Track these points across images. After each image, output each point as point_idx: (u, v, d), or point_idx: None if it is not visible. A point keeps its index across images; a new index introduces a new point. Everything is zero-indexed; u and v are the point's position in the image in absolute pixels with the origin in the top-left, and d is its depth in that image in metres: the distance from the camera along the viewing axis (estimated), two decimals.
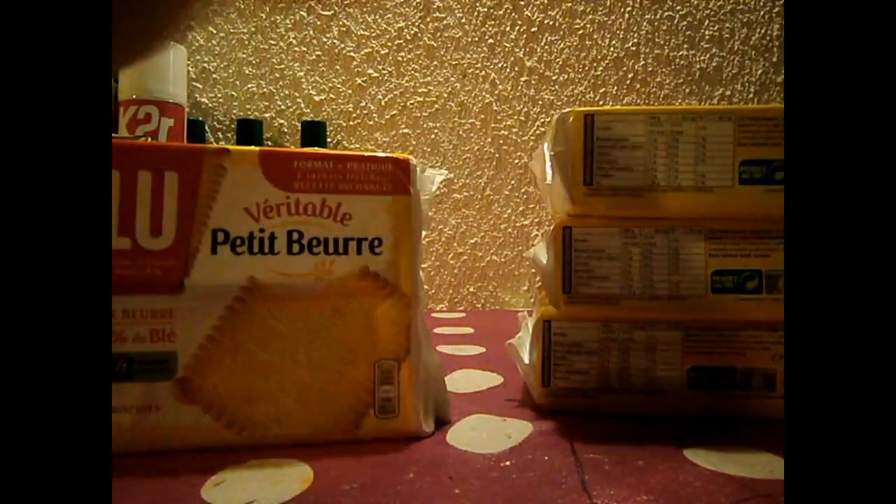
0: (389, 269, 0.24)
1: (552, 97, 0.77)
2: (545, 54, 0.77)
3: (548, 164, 0.28)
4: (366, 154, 0.24)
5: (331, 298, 0.24)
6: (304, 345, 0.23)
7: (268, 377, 0.23)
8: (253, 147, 0.23)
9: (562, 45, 0.77)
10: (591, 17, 0.77)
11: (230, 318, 0.23)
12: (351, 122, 0.75)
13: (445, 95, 0.76)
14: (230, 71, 0.74)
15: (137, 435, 0.22)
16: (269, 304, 0.23)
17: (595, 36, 0.77)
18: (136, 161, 0.22)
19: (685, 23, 0.78)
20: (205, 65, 0.73)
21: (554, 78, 0.77)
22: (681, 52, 0.78)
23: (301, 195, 0.24)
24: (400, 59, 0.75)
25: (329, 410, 0.24)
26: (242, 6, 0.73)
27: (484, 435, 0.25)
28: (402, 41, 0.75)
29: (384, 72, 0.75)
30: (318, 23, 0.74)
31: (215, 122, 0.74)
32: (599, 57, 0.78)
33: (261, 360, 0.23)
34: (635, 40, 0.78)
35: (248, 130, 0.69)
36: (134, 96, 0.60)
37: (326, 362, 0.24)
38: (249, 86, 0.74)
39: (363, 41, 0.75)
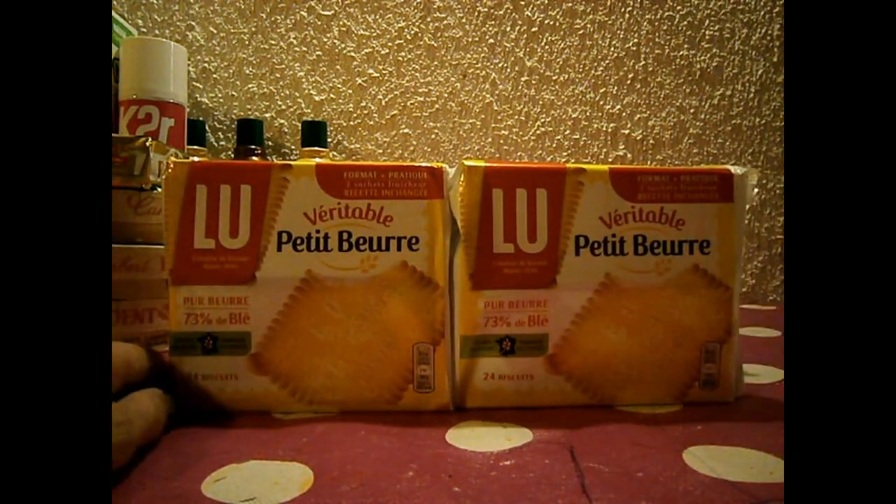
0: (425, 263, 0.31)
1: (553, 97, 0.85)
2: (545, 54, 0.85)
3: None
4: (405, 164, 0.31)
5: (375, 289, 0.31)
6: (353, 328, 0.31)
7: (323, 354, 0.30)
8: (310, 161, 0.31)
9: (562, 45, 0.85)
10: (591, 16, 0.85)
11: (292, 305, 0.30)
12: (351, 122, 0.82)
13: (446, 95, 0.84)
14: (231, 71, 0.81)
15: (221, 398, 0.30)
16: (324, 294, 0.30)
17: (595, 36, 0.85)
18: (217, 176, 0.30)
19: (686, 23, 0.86)
20: (205, 65, 0.80)
21: (554, 78, 0.85)
22: (681, 52, 0.86)
23: (350, 201, 0.31)
24: (400, 59, 0.83)
25: (374, 384, 0.31)
26: (243, 6, 0.80)
27: (483, 437, 0.28)
28: (402, 41, 0.83)
29: (384, 72, 0.83)
30: (319, 23, 0.81)
31: (216, 122, 0.80)
32: (600, 57, 0.85)
33: (317, 340, 0.30)
34: (636, 40, 0.86)
35: (249, 130, 0.76)
36: (134, 96, 0.65)
37: (372, 343, 0.31)
38: (250, 86, 0.81)
39: (363, 41, 0.82)
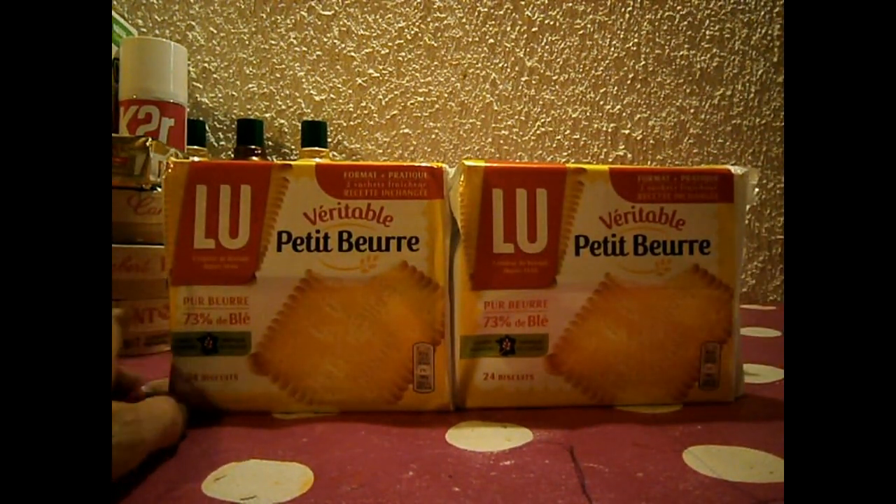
0: (425, 263, 0.31)
1: (553, 97, 0.85)
2: (546, 54, 0.85)
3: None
4: (405, 164, 0.31)
5: (375, 289, 0.31)
6: (353, 328, 0.31)
7: (323, 355, 0.30)
8: (310, 161, 0.31)
9: (562, 45, 0.85)
10: (591, 16, 0.85)
11: (292, 305, 0.30)
12: (351, 122, 0.82)
13: (446, 95, 0.84)
14: (231, 71, 0.81)
15: (222, 398, 0.30)
16: (324, 294, 0.30)
17: (596, 36, 0.85)
18: (217, 176, 0.30)
19: (686, 23, 0.86)
20: (205, 65, 0.80)
21: (554, 78, 0.85)
22: (681, 52, 0.86)
23: (350, 201, 0.31)
24: (400, 59, 0.83)
25: (374, 384, 0.31)
26: (243, 6, 0.80)
27: (483, 437, 0.28)
28: (402, 41, 0.83)
29: (385, 72, 0.83)
30: (319, 23, 0.81)
31: (216, 122, 0.80)
32: (600, 57, 0.85)
33: (317, 340, 0.30)
34: (636, 40, 0.86)
35: (249, 130, 0.76)
36: (134, 96, 0.65)
37: (372, 344, 0.31)
38: (250, 86, 0.81)
39: (364, 41, 0.82)
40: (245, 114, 0.81)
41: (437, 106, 0.83)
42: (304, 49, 0.81)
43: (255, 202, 0.30)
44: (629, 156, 0.86)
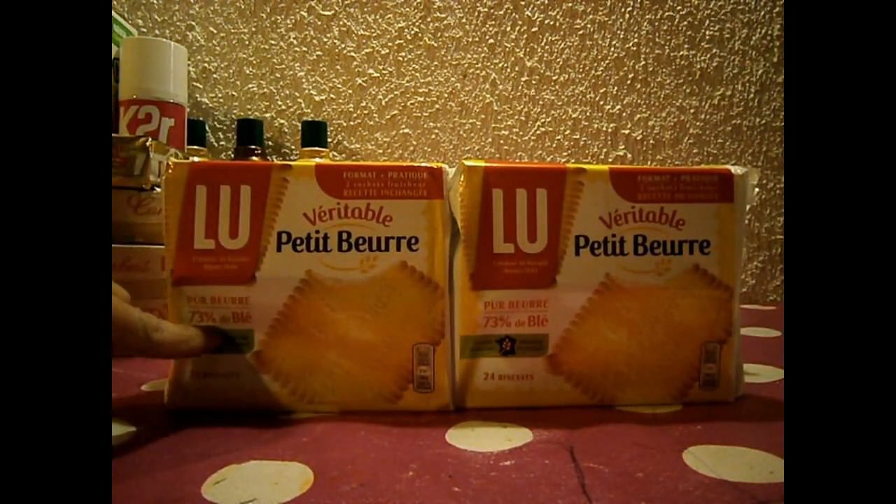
0: (425, 263, 0.31)
1: (553, 97, 0.85)
2: (546, 54, 0.85)
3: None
4: (405, 164, 0.31)
5: (374, 289, 0.31)
6: (353, 329, 0.31)
7: (323, 355, 0.30)
8: (310, 162, 0.31)
9: (562, 45, 0.85)
10: (591, 17, 0.85)
11: (292, 305, 0.30)
12: (351, 122, 0.82)
13: (446, 95, 0.84)
14: (231, 71, 0.81)
15: (224, 396, 0.30)
16: (324, 294, 0.30)
17: (596, 36, 0.85)
18: (217, 177, 0.30)
19: (686, 23, 0.86)
20: (205, 65, 0.80)
21: (554, 78, 0.85)
22: (681, 52, 0.86)
23: (349, 201, 0.31)
24: (400, 59, 0.83)
25: (374, 384, 0.31)
26: (243, 6, 0.80)
27: (483, 437, 0.28)
28: (402, 41, 0.83)
29: (385, 72, 0.83)
30: (319, 23, 0.81)
31: (216, 122, 0.80)
32: (600, 57, 0.85)
33: (318, 340, 0.30)
34: (636, 40, 0.86)
35: (249, 130, 0.76)
36: (134, 96, 0.65)
37: (372, 344, 0.31)
38: (250, 86, 0.81)
39: (364, 41, 0.82)
40: (245, 114, 0.81)
41: (437, 106, 0.84)
42: (304, 49, 0.81)
43: (255, 202, 0.30)
44: (629, 156, 0.86)
